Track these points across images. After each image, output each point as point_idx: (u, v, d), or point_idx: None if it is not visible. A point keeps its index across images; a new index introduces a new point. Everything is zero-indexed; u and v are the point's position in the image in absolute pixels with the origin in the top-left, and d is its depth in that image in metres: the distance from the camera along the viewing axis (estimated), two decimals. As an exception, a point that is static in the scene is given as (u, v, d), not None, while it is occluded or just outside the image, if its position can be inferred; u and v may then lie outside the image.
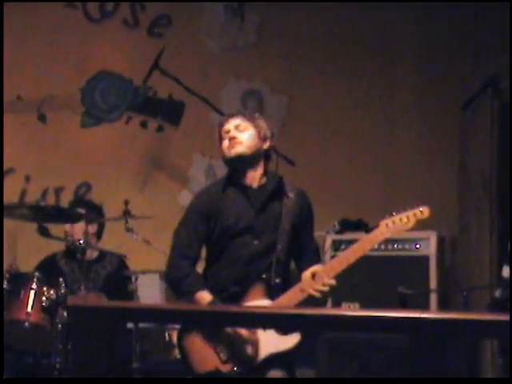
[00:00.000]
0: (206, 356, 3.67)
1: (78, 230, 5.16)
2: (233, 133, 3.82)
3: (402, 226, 3.64)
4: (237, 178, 3.85)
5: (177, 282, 3.80)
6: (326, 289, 3.67)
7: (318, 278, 3.68)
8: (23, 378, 4.33)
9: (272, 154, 3.92)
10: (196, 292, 3.75)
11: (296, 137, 6.12)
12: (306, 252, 3.89)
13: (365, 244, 3.68)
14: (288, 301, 3.68)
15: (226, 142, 3.84)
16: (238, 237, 3.79)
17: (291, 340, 3.66)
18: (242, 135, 3.81)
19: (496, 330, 2.20)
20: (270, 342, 3.65)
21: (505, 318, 2.03)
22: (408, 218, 3.64)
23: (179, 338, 3.77)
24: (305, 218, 3.89)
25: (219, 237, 3.81)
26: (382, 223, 3.66)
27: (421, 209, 3.65)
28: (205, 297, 3.73)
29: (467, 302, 4.91)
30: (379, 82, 6.29)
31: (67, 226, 5.20)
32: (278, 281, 3.74)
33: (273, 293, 3.72)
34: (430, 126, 6.24)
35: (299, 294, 3.68)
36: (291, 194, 3.85)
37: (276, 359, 3.68)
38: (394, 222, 3.64)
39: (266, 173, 3.88)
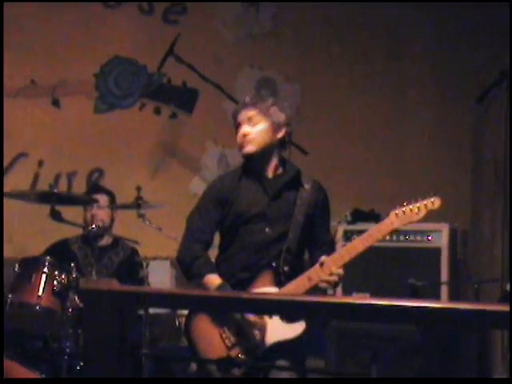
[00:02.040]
0: (212, 341, 3.68)
1: (105, 215, 5.18)
2: (245, 128, 3.80)
3: (412, 217, 3.61)
4: (252, 168, 3.85)
5: (187, 264, 3.82)
6: (332, 278, 3.66)
7: (325, 266, 3.66)
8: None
9: (287, 140, 3.89)
10: (205, 274, 3.76)
11: (309, 126, 6.11)
12: (320, 244, 3.88)
13: (374, 234, 3.64)
14: (295, 289, 3.67)
15: (239, 136, 3.82)
16: (251, 223, 3.79)
17: (296, 328, 3.66)
18: (255, 130, 3.79)
19: (505, 320, 2.19)
20: (277, 330, 3.66)
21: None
22: (419, 208, 3.61)
23: (186, 323, 3.78)
24: (320, 209, 3.87)
25: (232, 223, 3.82)
26: (392, 213, 3.63)
27: (432, 199, 3.62)
28: (214, 280, 3.75)
29: (478, 295, 4.90)
30: (393, 72, 6.27)
31: (94, 210, 5.17)
32: (286, 269, 3.74)
33: (281, 281, 3.72)
34: (443, 118, 6.22)
35: (306, 283, 3.67)
36: (307, 186, 3.84)
37: (283, 348, 3.68)
38: (404, 213, 3.61)
39: (281, 162, 3.87)
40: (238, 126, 3.85)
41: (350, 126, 6.25)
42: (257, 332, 3.66)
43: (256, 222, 3.79)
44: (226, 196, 3.82)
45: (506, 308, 2.13)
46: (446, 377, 2.19)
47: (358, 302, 2.27)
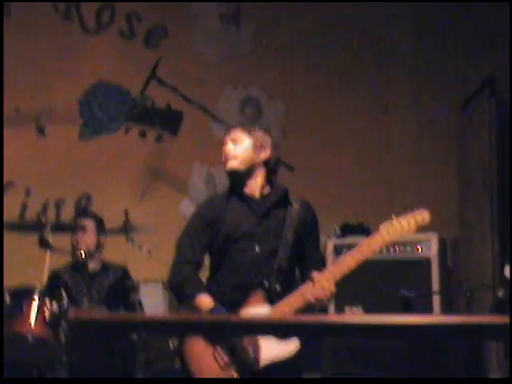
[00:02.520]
0: (205, 362, 3.67)
1: (90, 239, 5.16)
2: (228, 147, 3.87)
3: (402, 231, 3.62)
4: (239, 188, 3.88)
5: (178, 285, 3.84)
6: (324, 294, 3.67)
7: (317, 283, 3.67)
8: (23, 378, 4.33)
9: (274, 164, 3.92)
10: (196, 295, 3.76)
11: (295, 142, 6.13)
12: (310, 262, 3.88)
13: (364, 249, 3.66)
14: (288, 306, 3.68)
15: (223, 155, 3.89)
16: (240, 242, 3.80)
17: (290, 346, 3.66)
18: (237, 149, 3.85)
19: (498, 332, 2.19)
20: (271, 348, 3.65)
21: (506, 320, 2.02)
22: (408, 222, 3.62)
23: (179, 345, 3.78)
24: (309, 228, 3.88)
25: (221, 243, 3.83)
26: (382, 228, 3.63)
27: (421, 213, 3.63)
28: (205, 300, 3.75)
29: (470, 303, 4.90)
30: (377, 85, 6.31)
31: (79, 235, 5.16)
32: (278, 288, 3.74)
33: (272, 300, 3.72)
34: (428, 127, 6.25)
35: (299, 300, 3.68)
36: (296, 205, 3.85)
37: (279, 366, 3.68)
38: (394, 226, 3.62)
39: (269, 182, 3.90)
40: (223, 148, 3.91)
41: (336, 142, 6.26)
42: (250, 351, 3.66)
43: (245, 242, 3.80)
44: (214, 217, 3.84)
45: (500, 319, 2.13)
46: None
47: (347, 321, 2.27)
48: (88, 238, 5.16)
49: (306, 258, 3.88)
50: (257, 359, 3.66)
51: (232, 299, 3.77)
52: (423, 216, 3.63)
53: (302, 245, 3.85)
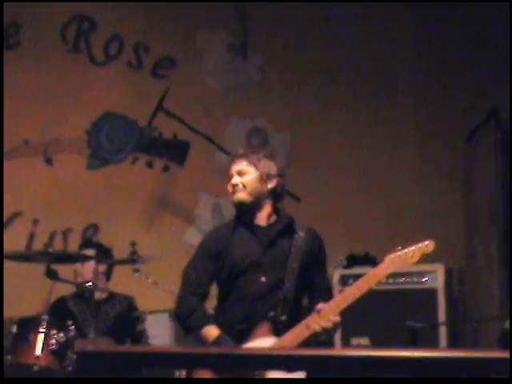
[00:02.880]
0: None
1: (89, 270, 5.18)
2: (234, 179, 3.88)
3: (407, 261, 3.66)
4: (245, 218, 3.89)
5: (184, 317, 3.84)
6: (330, 325, 3.67)
7: (323, 314, 3.68)
8: (23, 378, 4.31)
9: (280, 192, 3.94)
10: (203, 326, 3.76)
11: (300, 173, 6.14)
12: (317, 290, 3.89)
13: (370, 279, 3.68)
14: (294, 338, 3.68)
15: (229, 187, 3.90)
16: (246, 273, 3.80)
17: (298, 376, 3.64)
18: (243, 180, 3.86)
19: (504, 366, 2.19)
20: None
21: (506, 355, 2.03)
22: (413, 252, 3.66)
23: (188, 374, 3.78)
24: (316, 256, 3.89)
25: (228, 274, 3.84)
26: (387, 258, 3.67)
27: (426, 243, 3.67)
28: (212, 331, 3.75)
29: (477, 334, 4.89)
30: (381, 118, 6.33)
31: (77, 266, 5.20)
32: (284, 318, 3.74)
33: (279, 331, 3.72)
34: (433, 157, 6.26)
35: (305, 331, 3.67)
36: (301, 233, 3.87)
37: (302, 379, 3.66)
38: (399, 257, 3.66)
39: (275, 211, 3.91)
40: (229, 178, 3.91)
41: (341, 173, 6.28)
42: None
43: (251, 272, 3.80)
44: (220, 248, 3.85)
45: (505, 355, 2.13)
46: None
47: (352, 354, 2.27)
48: (85, 269, 5.18)
49: (312, 287, 3.88)
50: None
51: (239, 329, 3.76)
52: (428, 246, 3.66)
53: (308, 273, 3.85)
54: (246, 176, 3.86)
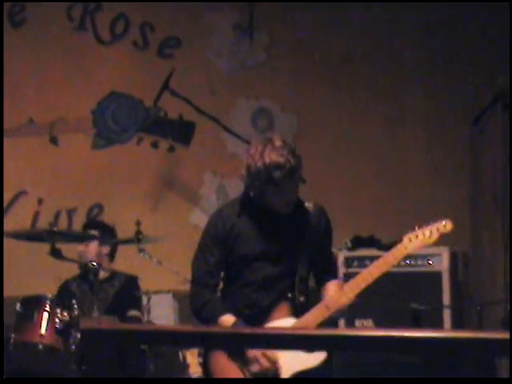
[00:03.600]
0: (232, 375, 3.63)
1: (92, 251, 5.18)
2: (292, 195, 3.70)
3: (425, 240, 3.63)
4: (252, 203, 3.78)
5: (199, 310, 3.78)
6: (347, 302, 3.63)
7: (343, 293, 3.66)
8: (23, 378, 4.33)
9: None
10: (218, 317, 3.72)
11: (306, 154, 6.06)
12: (325, 267, 3.85)
13: (389, 259, 3.65)
14: (313, 319, 3.65)
15: (279, 201, 3.69)
16: (254, 262, 3.77)
17: (317, 356, 3.62)
18: (297, 192, 3.74)
19: (507, 348, 2.18)
20: (295, 361, 3.61)
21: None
22: (431, 231, 3.63)
23: (204, 357, 3.76)
24: (323, 232, 3.85)
25: (235, 263, 3.79)
26: (406, 237, 3.64)
27: (443, 222, 3.64)
28: (228, 320, 3.70)
29: (481, 317, 4.88)
30: (389, 99, 6.31)
31: (81, 247, 5.21)
32: (302, 299, 3.72)
33: (298, 311, 3.70)
34: (440, 141, 6.24)
35: (325, 311, 3.65)
36: (310, 209, 3.82)
37: (299, 378, 3.64)
38: (417, 237, 3.63)
39: None
40: (281, 191, 3.66)
41: (348, 154, 6.27)
42: (272, 368, 3.62)
43: (260, 261, 3.76)
44: (226, 234, 3.77)
45: (506, 336, 2.13)
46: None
47: (365, 334, 2.27)
48: (89, 250, 5.18)
49: (321, 263, 3.83)
50: (277, 373, 3.62)
51: (245, 315, 3.74)
52: (446, 225, 3.64)
53: (318, 249, 3.81)
54: (296, 187, 3.73)
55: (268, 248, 3.75)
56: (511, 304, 4.67)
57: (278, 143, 3.68)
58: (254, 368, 3.62)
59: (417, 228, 3.64)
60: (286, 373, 3.63)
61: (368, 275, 3.65)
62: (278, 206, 3.71)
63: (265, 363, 3.61)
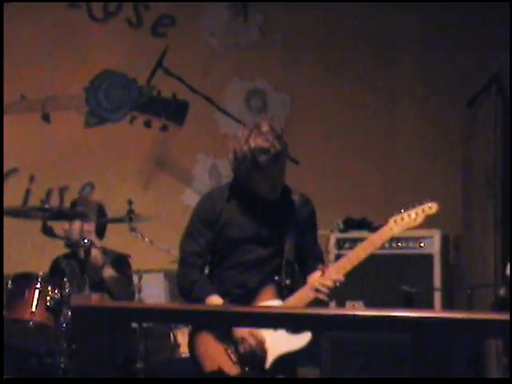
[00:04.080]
0: (218, 357, 3.67)
1: (76, 229, 5.14)
2: (277, 180, 3.75)
3: (410, 222, 3.67)
4: (241, 188, 3.82)
5: (186, 290, 3.81)
6: (332, 284, 3.66)
7: (327, 274, 3.69)
8: (23, 378, 4.33)
9: None
10: (206, 297, 3.74)
11: (299, 135, 6.12)
12: (310, 256, 3.89)
13: (375, 241, 3.70)
14: (299, 300, 3.69)
15: (266, 186, 3.73)
16: (243, 244, 3.80)
17: (302, 339, 3.67)
18: (283, 178, 3.78)
19: (498, 329, 2.19)
20: (281, 342, 3.66)
21: (506, 317, 2.02)
22: (416, 213, 3.68)
23: (190, 337, 3.78)
24: (308, 222, 3.89)
25: (223, 246, 3.83)
26: (391, 220, 3.68)
27: (429, 204, 3.69)
28: (215, 301, 3.73)
29: (471, 301, 4.90)
30: (382, 80, 6.29)
31: (65, 225, 5.17)
32: (288, 282, 3.75)
33: (284, 294, 3.73)
34: (433, 123, 6.23)
35: (310, 293, 3.69)
36: (295, 198, 3.85)
37: (284, 360, 3.68)
38: (402, 219, 3.67)
39: None
40: (264, 178, 3.73)
41: (340, 135, 6.26)
42: (259, 348, 3.65)
43: (249, 243, 3.80)
44: (215, 216, 3.79)
45: (502, 316, 2.13)
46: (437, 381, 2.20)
47: (354, 313, 2.28)
48: (73, 228, 5.12)
49: (306, 252, 3.87)
50: (265, 355, 3.66)
51: (235, 294, 3.77)
52: (431, 207, 3.69)
53: (303, 238, 3.85)
54: (281, 174, 3.76)
55: (256, 231, 3.79)
56: (511, 285, 4.67)
57: (264, 128, 3.71)
58: (242, 348, 3.63)
59: (402, 210, 3.69)
60: (272, 353, 3.66)
61: (354, 257, 3.69)
62: (263, 191, 3.75)
63: (252, 342, 3.63)
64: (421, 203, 3.69)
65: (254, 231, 3.79)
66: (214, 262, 3.90)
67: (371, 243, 3.69)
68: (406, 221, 3.67)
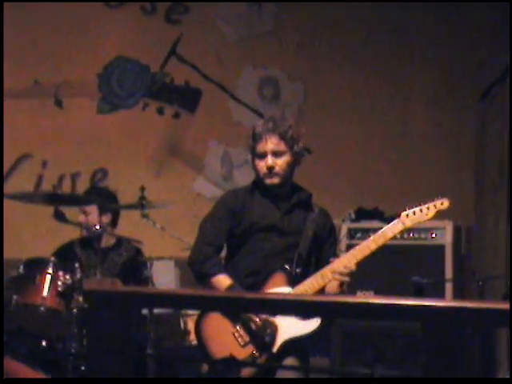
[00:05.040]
0: (224, 341, 3.72)
1: (93, 221, 5.13)
2: (270, 160, 3.82)
3: (421, 217, 3.77)
4: (265, 186, 3.92)
5: (198, 263, 3.87)
6: (345, 271, 3.71)
7: (337, 264, 3.75)
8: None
9: (301, 156, 3.94)
10: (216, 274, 3.81)
11: (312, 124, 6.09)
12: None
13: (386, 233, 3.77)
14: (309, 288, 3.76)
15: (262, 167, 3.84)
16: (262, 233, 3.87)
17: (311, 324, 3.71)
18: (280, 162, 3.83)
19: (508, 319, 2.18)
20: (291, 327, 3.71)
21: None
22: (428, 208, 3.77)
23: (197, 322, 3.81)
24: (327, 233, 3.98)
25: (243, 232, 3.89)
26: (403, 213, 3.77)
27: (441, 200, 3.78)
28: (225, 281, 3.79)
29: (482, 292, 4.89)
30: (396, 69, 6.27)
31: (81, 218, 5.14)
32: (299, 271, 3.81)
33: (293, 281, 3.78)
34: (447, 115, 6.21)
35: (320, 281, 3.74)
36: (316, 210, 3.96)
37: (292, 345, 3.72)
38: (414, 213, 3.76)
39: (294, 185, 3.96)
40: (260, 154, 3.84)
41: (353, 125, 6.24)
42: (268, 330, 3.69)
43: (268, 232, 3.87)
44: (238, 207, 3.90)
45: (506, 306, 2.13)
46: (448, 374, 2.19)
47: (364, 301, 2.27)
48: (89, 221, 5.12)
49: (324, 261, 3.91)
50: (275, 338, 3.70)
51: (249, 282, 3.82)
52: (443, 203, 3.77)
53: (321, 247, 3.94)
54: (282, 158, 3.84)
55: (274, 222, 3.88)
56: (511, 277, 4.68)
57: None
58: (254, 324, 3.67)
59: (415, 205, 3.78)
60: (282, 336, 3.71)
61: (365, 247, 3.76)
62: (261, 174, 3.83)
63: (264, 320, 3.67)
64: (433, 199, 3.78)
65: (273, 221, 3.88)
66: (231, 250, 3.96)
67: (383, 235, 3.77)
68: (417, 215, 3.76)
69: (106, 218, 5.20)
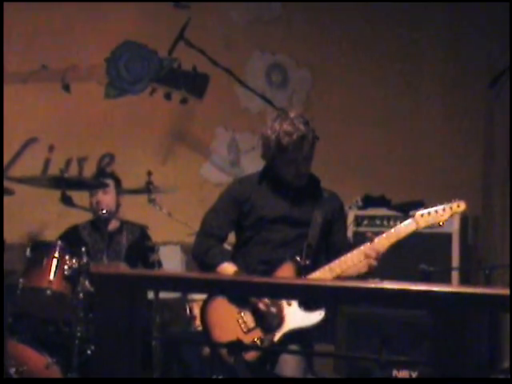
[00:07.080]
0: (227, 326, 3.72)
1: (111, 200, 5.14)
2: (304, 169, 3.80)
3: (436, 218, 3.75)
4: (273, 175, 3.90)
5: (201, 254, 3.86)
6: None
7: (348, 258, 3.76)
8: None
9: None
10: (220, 263, 3.79)
11: (319, 110, 6.09)
12: (338, 249, 3.92)
13: (400, 232, 3.76)
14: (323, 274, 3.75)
15: (290, 171, 3.80)
16: (271, 224, 3.86)
17: (315, 317, 3.72)
18: (308, 166, 3.83)
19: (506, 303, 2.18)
20: (295, 317, 3.71)
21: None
22: (444, 210, 3.75)
23: (203, 306, 3.81)
24: (337, 216, 3.96)
25: (253, 224, 3.88)
26: (418, 213, 3.76)
27: (457, 202, 3.76)
28: (229, 268, 3.78)
29: (489, 281, 4.88)
30: (405, 58, 6.25)
31: (99, 196, 5.13)
32: (308, 262, 3.80)
33: (301, 273, 3.78)
34: (455, 104, 6.19)
35: (328, 273, 3.74)
36: (325, 194, 3.94)
37: (296, 334, 3.73)
38: (429, 214, 3.75)
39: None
40: (289, 161, 3.78)
41: (361, 112, 6.23)
42: (274, 318, 3.68)
43: (277, 223, 3.86)
44: (245, 196, 3.88)
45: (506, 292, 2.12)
46: (455, 361, 2.19)
47: (369, 286, 2.26)
48: (109, 199, 5.16)
49: (333, 245, 3.94)
50: (280, 326, 3.70)
51: (259, 271, 3.81)
52: (459, 206, 3.76)
53: (329, 232, 3.92)
54: (309, 161, 3.81)
55: (284, 212, 3.86)
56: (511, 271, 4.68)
57: (292, 115, 3.80)
58: (262, 304, 3.67)
59: (431, 205, 3.77)
60: (286, 325, 3.71)
61: (378, 245, 3.75)
62: (288, 177, 3.82)
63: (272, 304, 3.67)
64: (450, 201, 3.76)
65: (283, 212, 3.86)
66: (241, 241, 3.95)
67: (396, 234, 3.76)
68: (432, 216, 3.74)
69: (121, 199, 5.24)
